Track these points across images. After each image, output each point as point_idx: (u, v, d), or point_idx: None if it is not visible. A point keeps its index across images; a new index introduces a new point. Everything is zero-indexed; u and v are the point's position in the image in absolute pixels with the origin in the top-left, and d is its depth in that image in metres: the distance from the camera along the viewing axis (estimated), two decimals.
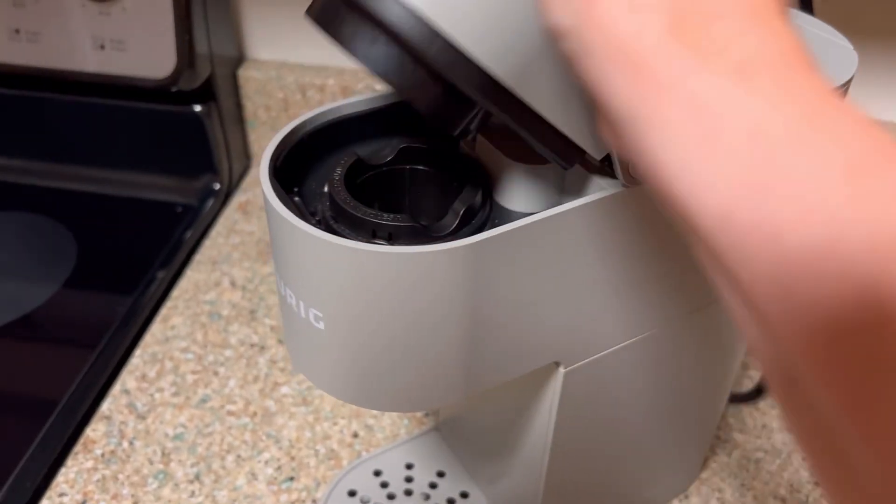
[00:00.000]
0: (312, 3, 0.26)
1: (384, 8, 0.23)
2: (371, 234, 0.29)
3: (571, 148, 0.28)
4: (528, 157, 0.31)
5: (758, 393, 0.56)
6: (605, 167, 0.30)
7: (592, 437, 0.41)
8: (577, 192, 0.32)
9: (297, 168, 0.33)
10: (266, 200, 0.29)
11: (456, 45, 0.23)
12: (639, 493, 0.49)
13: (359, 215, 0.29)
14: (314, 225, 0.28)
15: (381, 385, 0.32)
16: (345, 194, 0.30)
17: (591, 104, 0.25)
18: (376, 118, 0.34)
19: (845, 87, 0.34)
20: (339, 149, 0.33)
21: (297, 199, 0.32)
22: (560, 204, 0.30)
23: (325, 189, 0.32)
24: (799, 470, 0.53)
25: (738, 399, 0.57)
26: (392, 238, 0.29)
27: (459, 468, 0.52)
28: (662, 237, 0.33)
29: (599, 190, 0.30)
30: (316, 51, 0.74)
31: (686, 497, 0.52)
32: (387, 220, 0.29)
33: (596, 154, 0.29)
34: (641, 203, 0.31)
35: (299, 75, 0.73)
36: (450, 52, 0.23)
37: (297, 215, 0.28)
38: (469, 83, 0.24)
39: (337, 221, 0.30)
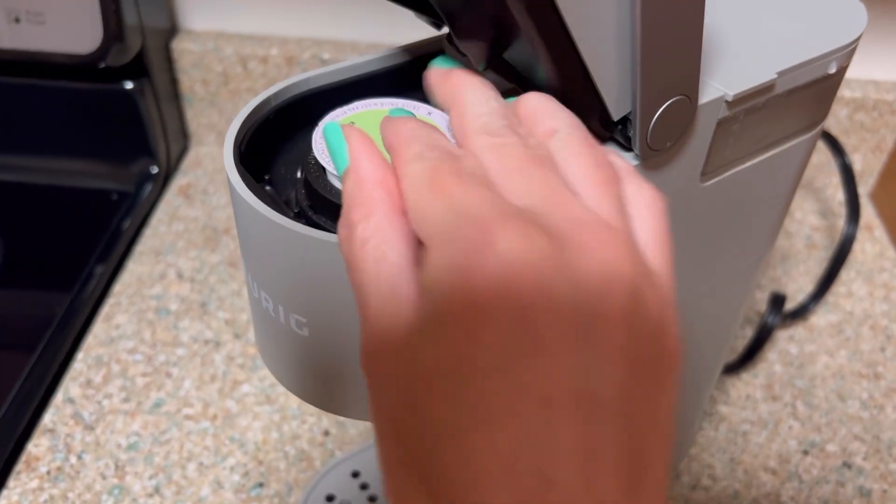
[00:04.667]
0: None
1: None
2: None
3: (590, 97, 0.25)
4: None
5: (743, 362, 0.55)
6: (618, 134, 0.27)
7: None
8: None
9: (264, 151, 0.29)
10: (233, 191, 0.25)
11: None
12: None
13: (341, 203, 0.26)
14: (293, 218, 0.24)
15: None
16: (323, 179, 0.26)
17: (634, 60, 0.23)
18: (351, 91, 0.30)
19: (856, 42, 0.31)
20: (311, 127, 0.29)
21: (269, 188, 0.28)
22: None
23: (300, 174, 0.28)
24: (787, 440, 0.52)
25: (722, 370, 0.55)
26: None
27: None
28: (675, 213, 0.30)
29: None
30: (256, 19, 0.69)
31: (677, 476, 0.50)
32: None
33: (615, 112, 0.25)
34: (654, 179, 0.28)
35: (238, 46, 0.68)
36: None
37: (271, 207, 0.24)
38: None
39: (316, 212, 0.26)
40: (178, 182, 0.70)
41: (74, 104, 0.65)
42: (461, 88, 0.23)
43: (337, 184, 0.26)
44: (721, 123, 0.28)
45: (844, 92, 0.66)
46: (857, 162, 0.70)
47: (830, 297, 0.62)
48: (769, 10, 0.32)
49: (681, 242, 0.32)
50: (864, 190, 0.71)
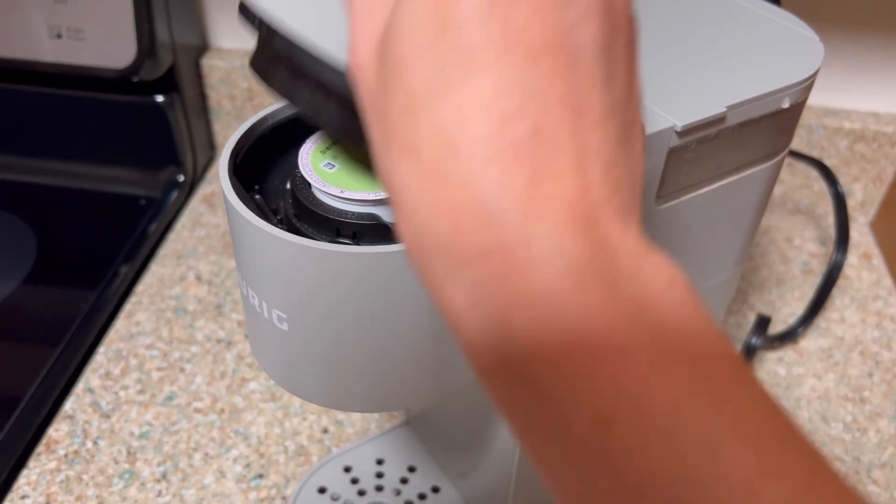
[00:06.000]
0: (255, 58, 0.26)
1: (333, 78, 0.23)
2: (335, 232, 0.29)
3: None
4: None
5: None
6: None
7: None
8: None
9: (259, 164, 0.32)
10: (225, 199, 0.29)
11: None
12: None
13: (321, 213, 0.29)
14: (276, 224, 0.28)
15: (348, 386, 0.31)
16: (307, 191, 0.29)
17: None
18: None
19: (811, 79, 0.34)
20: (303, 143, 0.32)
21: (258, 196, 0.31)
22: None
23: (288, 186, 0.31)
24: None
25: None
26: (357, 237, 0.28)
27: (430, 463, 0.51)
28: None
29: None
30: None
31: None
32: (351, 218, 0.28)
33: None
34: None
35: None
36: None
37: (257, 214, 0.28)
38: None
39: (300, 220, 0.30)
40: (203, 191, 0.74)
41: (109, 115, 0.70)
42: None
43: (321, 196, 0.29)
44: (673, 151, 0.31)
45: (844, 123, 0.67)
46: (857, 192, 0.72)
47: (822, 323, 0.63)
48: (727, 44, 0.35)
49: None
50: (864, 219, 0.72)
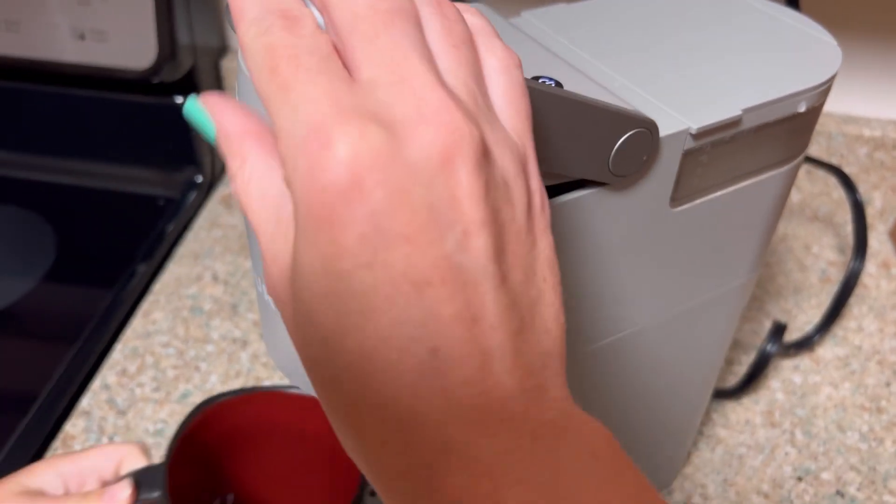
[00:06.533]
0: None
1: None
2: None
3: None
4: None
5: (742, 388, 0.56)
6: None
7: None
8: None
9: None
10: None
11: None
12: None
13: None
14: None
15: None
16: None
17: None
18: None
19: (828, 83, 0.33)
20: None
21: None
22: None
23: None
24: (782, 466, 0.53)
25: (722, 395, 0.57)
26: None
27: None
28: (645, 235, 0.33)
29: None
30: None
31: (669, 493, 0.52)
32: None
33: None
34: (623, 201, 0.30)
35: None
36: None
37: None
38: None
39: None
40: (221, 192, 0.75)
41: (129, 115, 0.70)
42: None
43: None
44: (688, 154, 0.31)
45: (864, 130, 0.67)
46: (876, 200, 0.71)
47: (840, 331, 0.63)
48: (744, 48, 0.35)
49: (654, 263, 0.35)
50: (883, 228, 0.72)
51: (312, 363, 0.20)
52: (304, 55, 0.19)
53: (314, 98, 0.18)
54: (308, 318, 0.20)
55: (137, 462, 0.42)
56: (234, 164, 0.22)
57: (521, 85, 0.22)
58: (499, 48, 0.22)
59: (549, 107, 0.25)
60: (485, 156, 0.19)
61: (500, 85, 0.21)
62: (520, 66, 0.22)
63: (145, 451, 0.44)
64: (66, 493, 0.40)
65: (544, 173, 0.23)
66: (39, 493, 0.39)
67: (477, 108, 0.20)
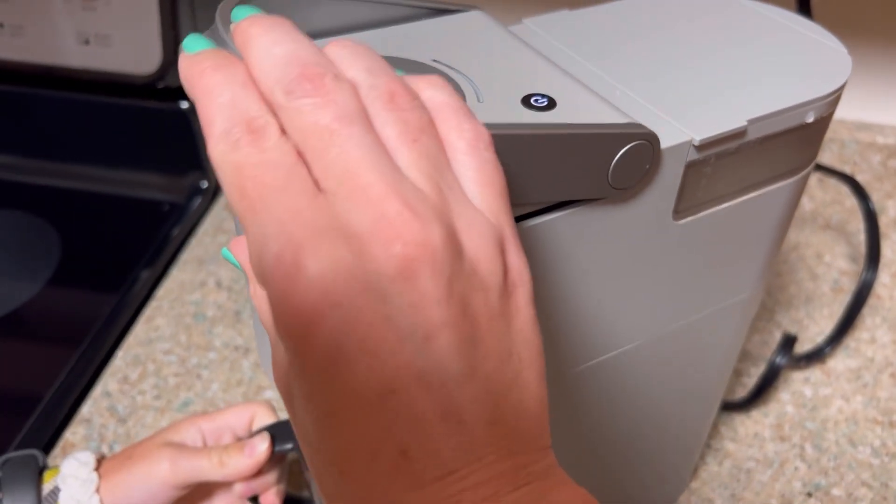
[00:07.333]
0: None
1: None
2: None
3: None
4: None
5: (751, 401, 0.55)
6: None
7: (577, 446, 0.40)
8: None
9: None
10: None
11: None
12: None
13: None
14: None
15: None
16: None
17: None
18: None
19: (837, 93, 0.33)
20: None
21: None
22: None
23: None
24: (791, 481, 0.52)
25: (731, 407, 0.56)
26: None
27: None
28: (649, 248, 0.32)
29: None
30: None
31: None
32: None
33: None
34: (625, 214, 0.30)
35: None
36: None
37: None
38: None
39: None
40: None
41: (134, 120, 0.70)
42: (247, 37, 0.21)
43: None
44: (691, 165, 0.30)
45: (878, 138, 0.66)
46: (890, 208, 0.70)
47: (852, 343, 0.62)
48: (750, 56, 0.34)
49: (658, 277, 0.34)
50: None
51: (308, 447, 0.21)
52: (268, 173, 0.19)
53: (278, 220, 0.19)
54: (297, 415, 0.21)
55: (268, 419, 0.46)
56: (252, 285, 0.24)
57: (492, 162, 0.21)
58: (466, 126, 0.21)
59: (536, 145, 0.25)
60: (449, 251, 0.19)
61: (470, 166, 0.21)
62: (490, 143, 0.21)
63: (273, 409, 0.47)
64: (206, 446, 0.44)
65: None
66: (182, 446, 0.43)
67: (441, 201, 0.20)
